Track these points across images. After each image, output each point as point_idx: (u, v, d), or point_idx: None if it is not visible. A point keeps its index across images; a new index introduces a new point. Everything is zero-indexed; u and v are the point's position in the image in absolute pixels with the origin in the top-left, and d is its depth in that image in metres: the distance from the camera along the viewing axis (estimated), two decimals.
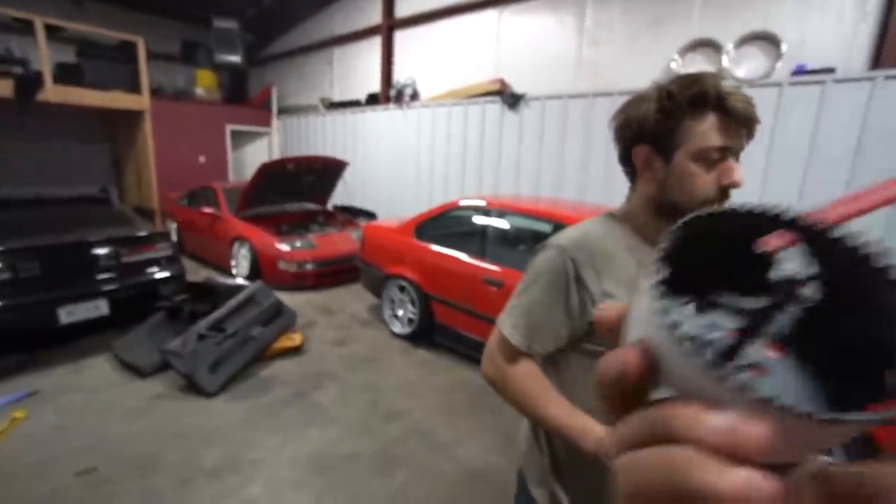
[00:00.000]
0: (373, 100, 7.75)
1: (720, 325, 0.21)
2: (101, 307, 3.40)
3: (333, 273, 5.39)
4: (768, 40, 4.16)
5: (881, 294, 0.18)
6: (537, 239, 3.10)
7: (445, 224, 3.80)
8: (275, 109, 9.80)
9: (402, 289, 3.95)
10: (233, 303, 3.49)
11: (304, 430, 2.72)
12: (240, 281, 4.44)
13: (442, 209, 3.81)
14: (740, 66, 4.30)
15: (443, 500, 2.24)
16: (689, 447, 0.16)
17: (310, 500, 2.20)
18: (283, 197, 6.12)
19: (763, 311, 0.20)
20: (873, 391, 0.18)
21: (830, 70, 3.81)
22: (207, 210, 5.89)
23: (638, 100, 0.81)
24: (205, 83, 9.25)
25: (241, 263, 5.53)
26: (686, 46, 4.58)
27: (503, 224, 3.48)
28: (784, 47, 4.04)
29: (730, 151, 0.76)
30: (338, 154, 7.79)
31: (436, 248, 3.69)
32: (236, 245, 5.53)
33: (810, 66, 3.91)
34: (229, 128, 9.35)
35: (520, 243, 3.47)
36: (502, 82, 5.92)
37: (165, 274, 3.81)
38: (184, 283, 3.97)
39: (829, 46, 3.93)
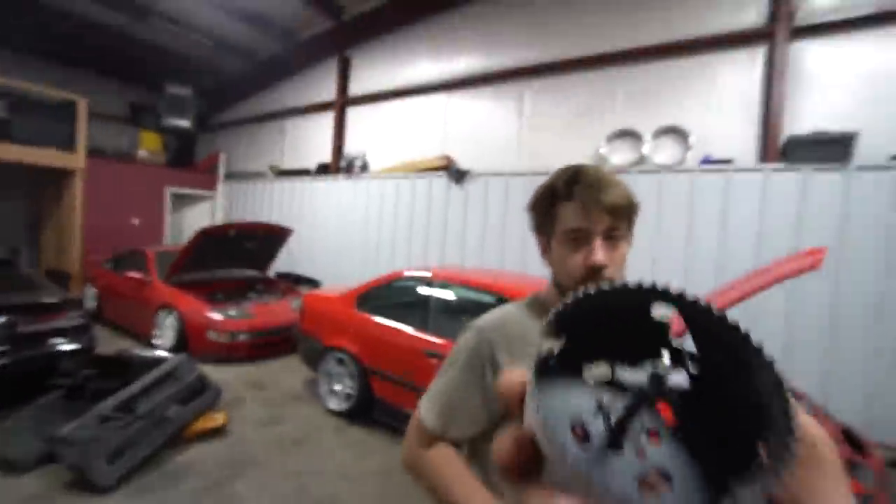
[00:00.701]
0: (323, 169, 7.87)
1: (611, 403, 0.21)
2: None
3: (270, 344, 5.07)
4: (679, 133, 4.74)
5: (755, 371, 0.19)
6: (481, 311, 3.10)
7: (388, 295, 3.75)
8: (221, 174, 9.67)
9: (340, 361, 3.76)
10: (148, 379, 3.14)
11: None
12: (161, 353, 4.04)
13: (386, 279, 3.78)
14: (659, 154, 4.83)
15: None
16: None
17: None
18: (222, 263, 5.85)
19: (652, 385, 0.20)
20: (750, 464, 0.18)
21: (729, 161, 4.36)
22: (134, 275, 5.48)
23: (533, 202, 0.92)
24: (149, 145, 9.06)
25: (165, 333, 5.08)
26: (612, 134, 5.11)
27: (447, 295, 3.48)
28: (692, 139, 4.62)
29: (588, 233, 0.78)
30: (284, 221, 7.68)
31: (377, 319, 3.59)
32: (162, 313, 5.12)
33: (715, 157, 4.47)
34: (170, 190, 9.06)
35: (463, 315, 3.46)
36: (449, 159, 6.25)
37: (71, 346, 3.41)
38: (92, 356, 3.55)
39: (728, 141, 4.54)
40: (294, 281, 7.15)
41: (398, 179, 6.65)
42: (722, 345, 0.20)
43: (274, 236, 6.02)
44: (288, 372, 4.75)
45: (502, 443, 0.20)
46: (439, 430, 0.84)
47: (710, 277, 4.22)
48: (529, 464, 0.19)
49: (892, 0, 3.90)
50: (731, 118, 4.57)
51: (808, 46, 4.23)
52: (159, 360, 3.50)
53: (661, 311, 0.21)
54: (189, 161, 10.02)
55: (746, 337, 0.20)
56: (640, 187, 4.71)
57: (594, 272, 0.78)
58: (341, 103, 7.81)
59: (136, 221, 8.56)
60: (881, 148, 3.81)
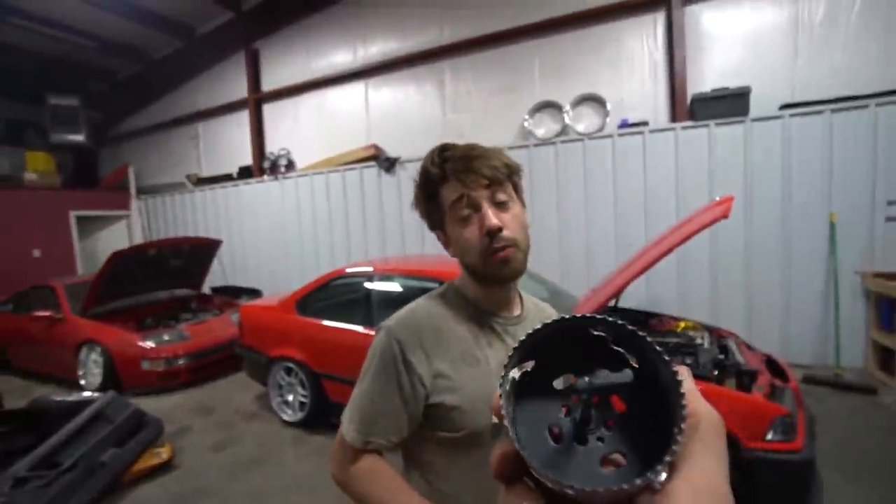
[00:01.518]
0: (246, 173, 7.42)
1: (574, 406, 0.26)
2: None
3: (213, 364, 4.76)
4: (597, 101, 4.90)
5: (660, 367, 0.25)
6: None
7: (330, 295, 3.61)
8: (133, 190, 8.84)
9: (289, 371, 3.60)
10: (71, 426, 2.83)
11: None
12: (86, 394, 3.66)
13: (324, 279, 3.63)
14: (580, 123, 4.97)
15: None
16: None
17: None
18: (147, 286, 5.37)
19: (602, 386, 0.26)
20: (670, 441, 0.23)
21: (645, 123, 4.58)
22: (42, 313, 4.90)
23: (414, 199, 0.88)
24: (38, 166, 8.05)
25: (91, 371, 4.62)
26: (534, 108, 5.19)
27: (392, 287, 3.41)
28: (609, 106, 4.80)
29: (474, 202, 0.77)
30: (211, 232, 7.21)
31: (321, 321, 3.46)
32: (84, 350, 4.64)
33: (631, 120, 4.68)
34: (74, 214, 8.16)
35: None
36: (376, 147, 6.09)
37: None
38: None
39: (642, 103, 4.76)
40: (232, 294, 6.74)
41: (327, 174, 6.40)
42: (642, 350, 0.26)
43: (201, 250, 5.61)
44: (237, 390, 4.50)
45: (493, 457, 0.25)
46: (360, 443, 0.79)
47: (641, 232, 4.46)
48: (517, 470, 0.24)
49: None
50: (642, 82, 4.79)
51: (701, 10, 4.50)
52: (83, 403, 3.16)
53: (599, 331, 0.27)
54: (93, 180, 9.06)
55: (648, 341, 0.25)
56: (567, 156, 4.85)
57: (492, 236, 0.76)
58: (255, 100, 7.34)
59: (37, 253, 7.65)
60: (771, 98, 4.16)
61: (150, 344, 4.47)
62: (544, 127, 5.15)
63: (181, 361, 4.52)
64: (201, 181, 7.95)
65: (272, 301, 3.98)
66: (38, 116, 8.25)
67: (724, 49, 4.44)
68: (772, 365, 2.63)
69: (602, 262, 4.63)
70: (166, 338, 4.61)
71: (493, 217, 0.76)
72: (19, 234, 7.42)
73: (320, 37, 6.71)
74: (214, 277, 6.96)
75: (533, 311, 0.91)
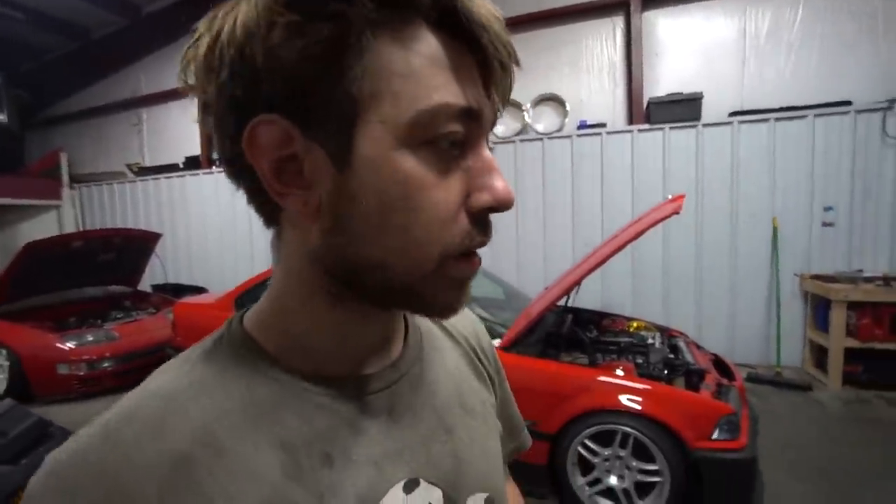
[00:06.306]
0: (194, 163, 6.96)
1: None
2: None
3: (146, 367, 4.33)
4: (557, 101, 4.90)
5: None
6: None
7: None
8: (66, 178, 8.13)
9: None
10: None
11: None
12: None
13: (266, 275, 3.39)
14: (540, 122, 4.96)
15: None
16: None
17: None
18: (70, 282, 4.90)
19: None
20: None
21: (603, 124, 4.62)
22: None
23: (232, 4, 0.31)
24: None
25: None
26: None
27: None
28: (568, 107, 4.81)
29: (480, 126, 0.34)
30: (154, 226, 6.72)
31: None
32: None
33: (590, 122, 4.71)
34: None
35: None
36: None
37: None
38: None
39: (601, 105, 4.80)
40: (176, 292, 6.29)
41: None
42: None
43: (137, 244, 5.17)
44: None
45: None
46: None
47: (598, 231, 4.48)
48: None
49: None
50: (601, 84, 4.83)
51: (657, 17, 4.58)
52: None
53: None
54: (17, 165, 8.26)
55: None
56: (526, 155, 4.82)
57: (483, 224, 0.34)
58: None
59: None
60: (722, 105, 4.29)
61: (69, 345, 4.05)
62: (504, 125, 5.10)
63: (106, 364, 4.11)
64: (144, 171, 7.42)
65: (210, 299, 3.69)
66: None
67: (678, 56, 4.54)
68: (719, 364, 2.64)
69: (559, 261, 4.61)
70: (90, 338, 4.19)
71: (505, 184, 0.33)
72: None
73: None
74: (159, 273, 6.51)
75: (428, 338, 0.46)
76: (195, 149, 7.05)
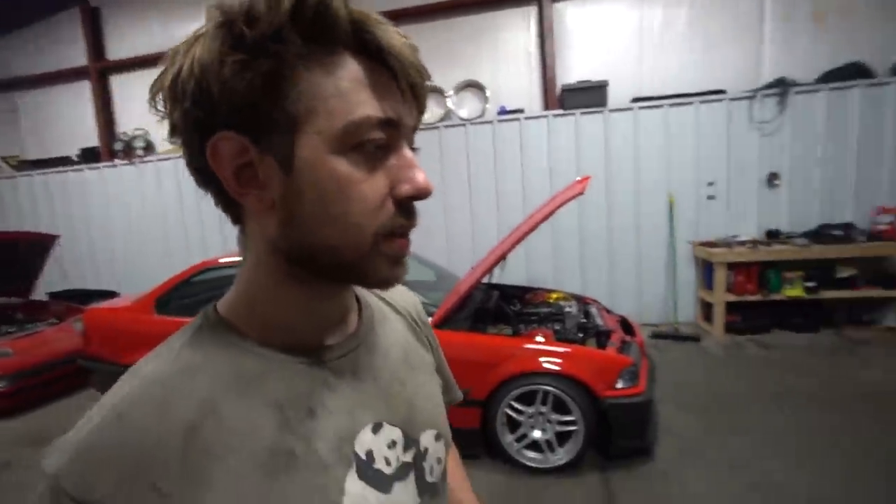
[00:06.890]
0: (91, 155, 6.29)
1: None
2: None
3: (49, 383, 3.99)
4: (478, 87, 5.08)
5: None
6: None
7: (198, 290, 3.24)
8: None
9: None
10: None
11: None
12: None
13: (190, 272, 3.24)
14: (463, 108, 5.11)
15: None
16: None
17: None
18: None
19: None
20: None
21: (521, 110, 4.88)
22: None
23: (187, 45, 0.39)
24: None
25: None
26: None
27: None
28: (488, 93, 5.00)
29: (399, 131, 0.40)
30: (43, 226, 6.02)
31: (186, 320, 3.09)
32: None
33: (509, 108, 4.94)
34: None
35: None
36: None
37: None
38: None
39: (518, 92, 5.05)
40: (81, 298, 5.71)
41: None
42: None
43: (27, 248, 4.63)
44: (83, 409, 3.80)
45: None
46: None
47: (519, 213, 4.76)
48: None
49: None
50: (518, 71, 5.07)
51: (566, 8, 4.88)
52: None
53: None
54: None
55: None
56: (449, 141, 4.97)
57: (408, 212, 0.42)
58: (99, 69, 6.23)
59: None
60: (625, 91, 4.71)
61: None
62: (429, 112, 5.19)
63: None
64: (26, 164, 6.56)
65: (125, 302, 3.46)
66: None
67: (586, 45, 4.89)
68: (625, 324, 3.01)
69: (486, 242, 4.83)
70: None
71: (424, 176, 0.41)
72: None
73: (181, 0, 5.91)
74: (60, 280, 5.89)
75: (377, 313, 0.55)
76: (92, 139, 6.36)
